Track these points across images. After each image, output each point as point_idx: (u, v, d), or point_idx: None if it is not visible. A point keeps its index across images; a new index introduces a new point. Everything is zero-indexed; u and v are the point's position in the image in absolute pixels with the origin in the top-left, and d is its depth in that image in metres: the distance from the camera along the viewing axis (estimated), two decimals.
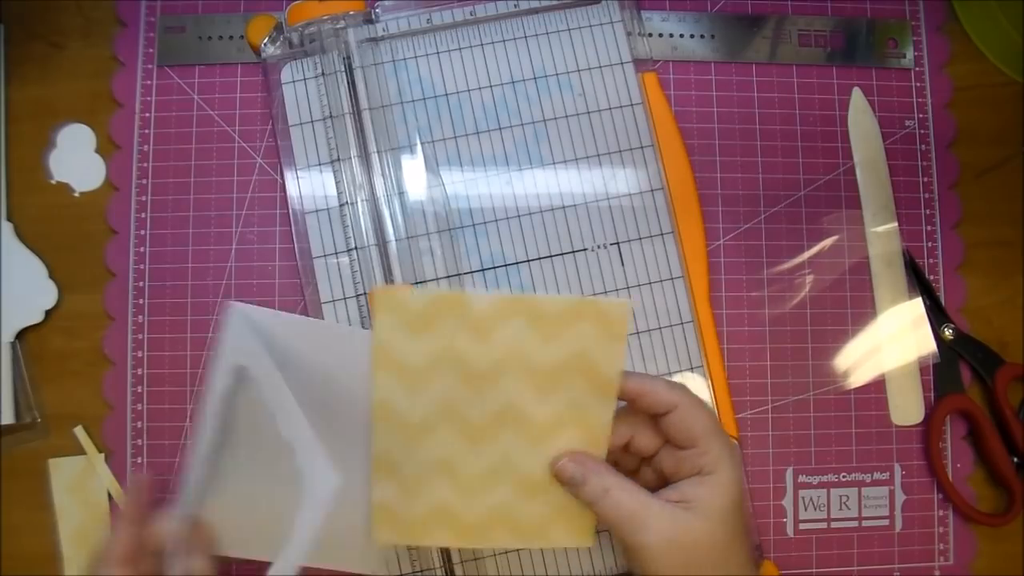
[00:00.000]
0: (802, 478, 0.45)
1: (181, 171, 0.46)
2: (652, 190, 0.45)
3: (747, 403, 0.45)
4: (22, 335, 0.45)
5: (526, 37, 0.45)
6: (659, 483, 0.37)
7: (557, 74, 0.45)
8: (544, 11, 0.46)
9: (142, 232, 0.45)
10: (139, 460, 0.44)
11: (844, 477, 0.45)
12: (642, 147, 0.45)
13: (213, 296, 0.45)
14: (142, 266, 0.45)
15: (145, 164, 0.46)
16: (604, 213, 0.44)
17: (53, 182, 0.46)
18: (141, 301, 0.45)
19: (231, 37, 0.46)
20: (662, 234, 0.44)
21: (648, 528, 0.33)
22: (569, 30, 0.46)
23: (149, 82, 0.46)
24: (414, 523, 0.36)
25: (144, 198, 0.46)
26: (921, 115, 0.48)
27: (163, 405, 0.44)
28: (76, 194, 0.46)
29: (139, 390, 0.45)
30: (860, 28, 0.48)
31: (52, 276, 0.45)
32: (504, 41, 0.45)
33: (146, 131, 0.46)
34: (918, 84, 0.48)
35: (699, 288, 0.44)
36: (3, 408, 0.44)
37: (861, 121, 0.48)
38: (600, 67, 0.45)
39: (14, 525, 0.44)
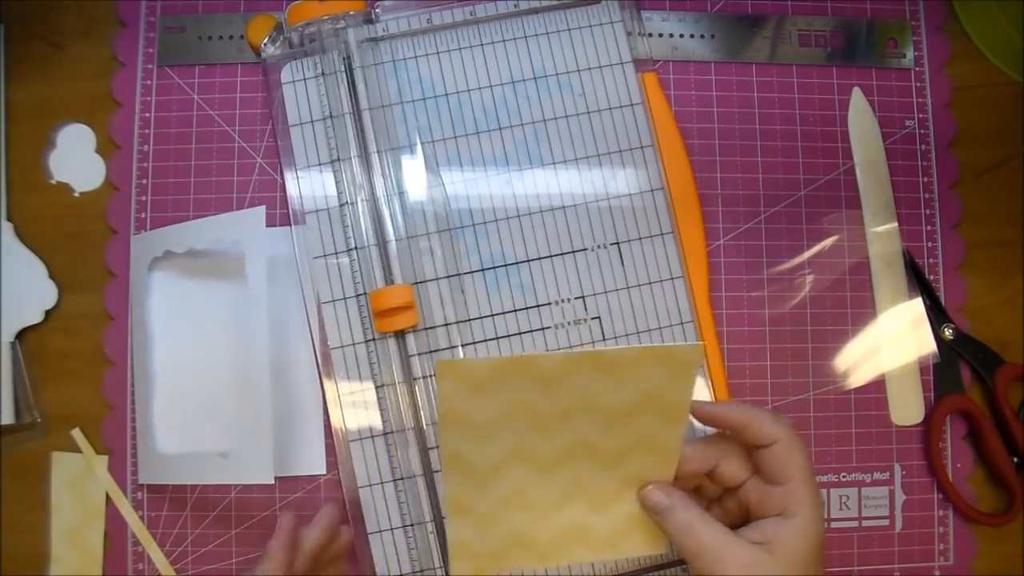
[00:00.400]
0: None
1: (181, 171, 0.46)
2: (652, 190, 0.45)
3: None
4: (22, 335, 0.45)
5: (526, 37, 0.45)
6: (740, 514, 0.37)
7: (557, 74, 0.45)
8: (544, 11, 0.46)
9: (142, 232, 0.45)
10: (139, 460, 0.44)
11: (844, 477, 0.45)
12: (642, 147, 0.45)
13: None
14: None
15: (145, 164, 0.46)
16: (604, 213, 0.44)
17: (53, 182, 0.46)
18: None
19: (231, 37, 0.46)
20: (662, 234, 0.44)
21: (725, 566, 0.33)
22: (569, 30, 0.46)
23: (149, 82, 0.46)
24: (493, 553, 0.37)
25: (144, 198, 0.46)
26: (921, 115, 0.48)
27: None
28: (76, 194, 0.46)
29: None
30: (860, 28, 0.48)
31: (52, 276, 0.45)
32: (504, 41, 0.45)
33: (146, 131, 0.46)
34: (918, 84, 0.48)
35: (699, 288, 0.44)
36: (3, 408, 0.44)
37: (861, 121, 0.48)
38: (600, 67, 0.45)
39: (14, 525, 0.44)
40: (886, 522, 0.45)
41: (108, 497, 0.44)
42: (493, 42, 0.45)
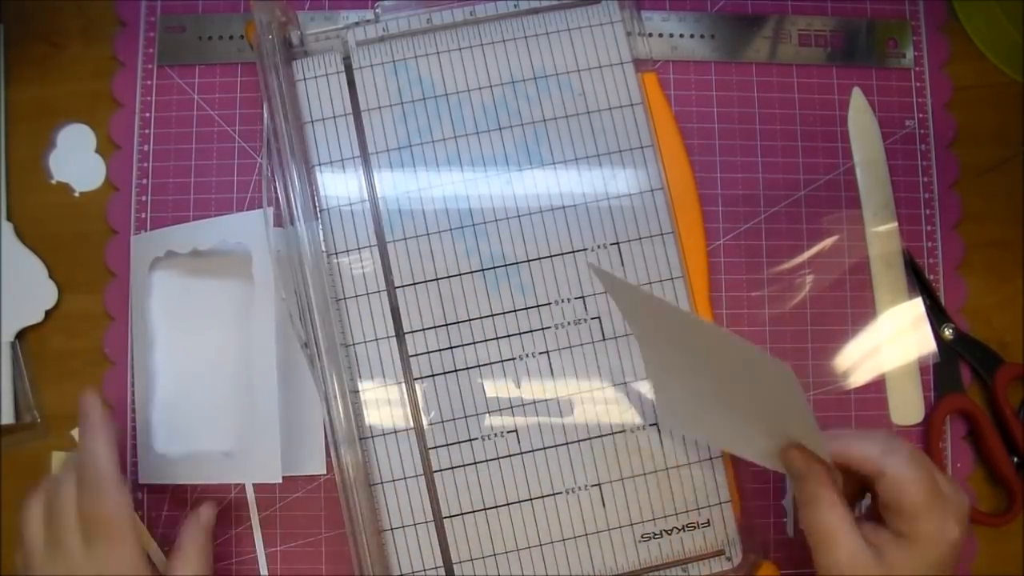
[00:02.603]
0: None
1: (181, 171, 0.46)
2: (652, 190, 0.45)
3: None
4: (22, 335, 0.45)
5: (526, 37, 0.45)
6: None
7: (557, 74, 0.45)
8: (544, 11, 0.46)
9: (142, 232, 0.45)
10: (139, 460, 0.44)
11: None
12: (642, 147, 0.45)
13: None
14: None
15: (145, 164, 0.46)
16: (604, 213, 0.44)
17: (53, 182, 0.46)
18: None
19: (231, 37, 0.46)
20: (662, 234, 0.44)
21: (832, 553, 0.33)
22: (569, 30, 0.46)
23: (149, 82, 0.46)
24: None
25: (144, 198, 0.46)
26: (921, 115, 0.48)
27: None
28: (76, 194, 0.46)
29: None
30: (860, 28, 0.48)
31: (52, 276, 0.45)
32: (504, 41, 0.45)
33: (146, 131, 0.46)
34: (918, 84, 0.48)
35: (699, 288, 0.44)
36: (3, 408, 0.44)
37: (861, 121, 0.48)
38: (600, 67, 0.45)
39: (14, 525, 0.44)
40: None
41: None
42: (493, 42, 0.45)
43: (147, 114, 0.46)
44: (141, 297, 0.44)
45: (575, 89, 0.45)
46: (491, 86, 0.45)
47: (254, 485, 0.44)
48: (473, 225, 0.44)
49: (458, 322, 0.43)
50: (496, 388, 0.43)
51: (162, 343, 0.44)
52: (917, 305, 0.46)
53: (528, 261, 0.44)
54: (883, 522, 0.35)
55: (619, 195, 0.45)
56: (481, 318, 0.43)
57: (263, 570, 0.44)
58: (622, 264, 0.44)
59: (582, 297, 0.44)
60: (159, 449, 0.43)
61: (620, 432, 0.43)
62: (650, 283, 0.44)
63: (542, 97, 0.45)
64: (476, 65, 0.45)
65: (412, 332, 0.43)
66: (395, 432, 0.43)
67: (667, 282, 0.44)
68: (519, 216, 0.44)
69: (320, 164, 0.44)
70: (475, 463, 0.43)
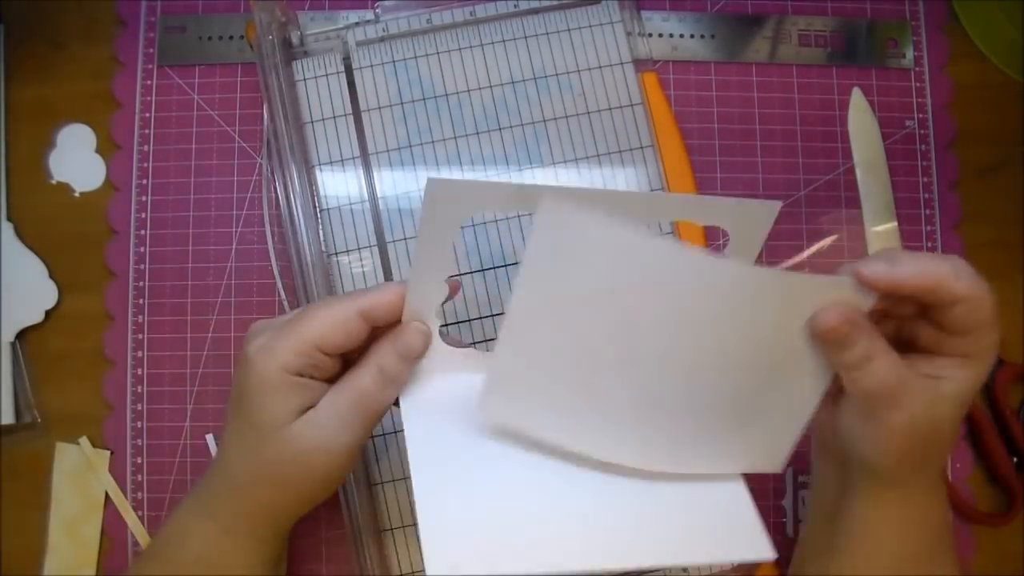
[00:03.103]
0: (802, 478, 0.45)
1: (181, 171, 0.46)
2: (652, 190, 0.45)
3: None
4: (22, 335, 0.45)
5: (526, 37, 0.45)
6: (899, 347, 0.31)
7: (557, 74, 0.45)
8: (544, 11, 0.46)
9: (142, 232, 0.45)
10: (139, 460, 0.44)
11: None
12: (642, 147, 0.45)
13: (213, 296, 0.45)
14: (142, 266, 0.45)
15: (145, 164, 0.46)
16: None
17: (53, 182, 0.46)
18: (141, 301, 0.45)
19: (231, 37, 0.46)
20: (662, 235, 0.44)
21: (900, 406, 0.30)
22: (569, 30, 0.46)
23: (149, 82, 0.46)
24: None
25: (144, 198, 0.46)
26: (921, 115, 0.48)
27: (163, 405, 0.44)
28: (76, 194, 0.46)
29: (139, 390, 0.45)
30: (860, 28, 0.48)
31: (52, 276, 0.45)
32: (504, 41, 0.45)
33: (146, 131, 0.46)
34: (918, 84, 0.48)
35: None
36: (3, 408, 0.44)
37: (861, 121, 0.47)
38: (600, 67, 0.45)
39: (14, 525, 0.44)
40: None
41: (108, 495, 0.44)
42: (493, 42, 0.45)
43: (147, 114, 0.46)
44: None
45: (575, 89, 0.45)
46: (491, 86, 0.45)
47: None
48: (473, 225, 0.44)
49: (458, 322, 0.43)
50: None
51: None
52: None
53: None
54: (924, 352, 0.31)
55: None
56: (481, 318, 0.43)
57: None
58: None
59: None
60: None
61: None
62: None
63: (542, 97, 0.45)
64: (476, 65, 0.45)
65: None
66: (395, 432, 0.43)
67: None
68: (519, 216, 0.44)
69: (320, 164, 0.44)
70: None
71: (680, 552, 0.31)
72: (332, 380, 0.32)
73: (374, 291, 0.31)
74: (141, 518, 0.44)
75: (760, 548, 0.31)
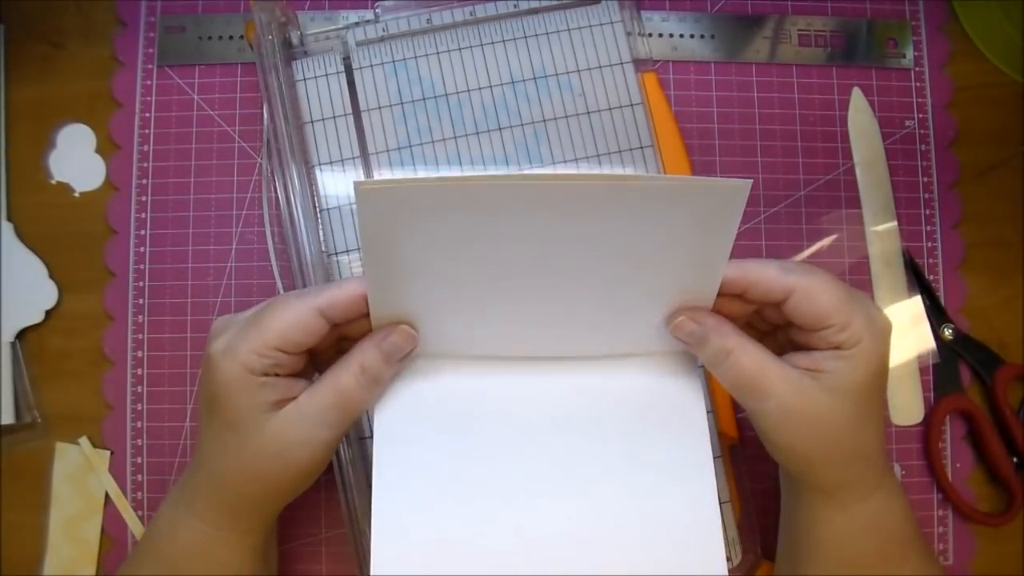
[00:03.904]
0: None
1: (181, 171, 0.46)
2: None
3: None
4: (22, 335, 0.45)
5: (526, 37, 0.45)
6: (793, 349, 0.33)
7: (557, 74, 0.45)
8: (544, 11, 0.46)
9: (142, 232, 0.45)
10: (139, 460, 0.44)
11: None
12: (642, 147, 0.45)
13: (213, 296, 0.45)
14: (142, 266, 0.45)
15: (145, 164, 0.46)
16: None
17: (53, 182, 0.46)
18: (141, 301, 0.45)
19: (231, 37, 0.46)
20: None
21: (768, 395, 0.31)
22: (569, 30, 0.46)
23: (149, 82, 0.46)
24: None
25: (144, 198, 0.46)
26: (921, 115, 0.48)
27: (163, 405, 0.44)
28: (76, 194, 0.46)
29: (139, 390, 0.45)
30: (860, 28, 0.48)
31: (52, 276, 0.45)
32: (504, 41, 0.45)
33: (146, 131, 0.46)
34: (918, 84, 0.48)
35: None
36: (3, 408, 0.44)
37: (861, 121, 0.48)
38: (600, 67, 0.45)
39: (14, 525, 0.44)
40: None
41: (108, 495, 0.44)
42: (493, 42, 0.45)
43: (147, 114, 0.46)
44: None
45: (575, 89, 0.45)
46: (491, 86, 0.45)
47: None
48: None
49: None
50: None
51: None
52: (916, 305, 0.46)
53: None
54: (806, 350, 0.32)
55: None
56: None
57: None
58: None
59: None
60: None
61: None
62: None
63: (542, 97, 0.45)
64: (476, 65, 0.45)
65: None
66: None
67: None
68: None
69: (320, 164, 0.44)
70: None
71: (629, 566, 0.32)
72: (299, 374, 0.33)
73: (333, 288, 0.32)
74: (141, 518, 0.44)
75: (714, 566, 0.32)
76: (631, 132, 0.45)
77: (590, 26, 0.46)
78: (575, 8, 0.46)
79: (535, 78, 0.45)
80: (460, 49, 0.45)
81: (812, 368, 0.31)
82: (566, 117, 0.45)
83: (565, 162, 0.45)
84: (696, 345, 0.32)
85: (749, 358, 0.31)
